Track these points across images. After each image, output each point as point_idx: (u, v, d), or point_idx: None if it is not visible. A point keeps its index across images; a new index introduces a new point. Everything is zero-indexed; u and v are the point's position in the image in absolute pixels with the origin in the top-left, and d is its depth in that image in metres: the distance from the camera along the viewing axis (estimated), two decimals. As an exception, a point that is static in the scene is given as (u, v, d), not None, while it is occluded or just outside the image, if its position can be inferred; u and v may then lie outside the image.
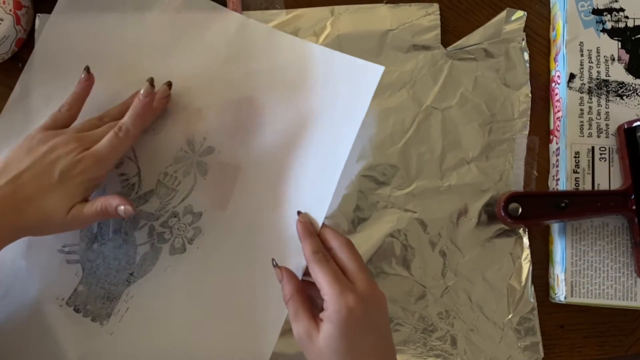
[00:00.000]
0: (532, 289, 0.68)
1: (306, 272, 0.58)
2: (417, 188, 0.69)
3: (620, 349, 0.69)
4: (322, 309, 0.54)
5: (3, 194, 0.56)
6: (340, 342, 0.52)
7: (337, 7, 0.71)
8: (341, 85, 0.63)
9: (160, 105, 0.64)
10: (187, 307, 0.63)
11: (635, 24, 0.69)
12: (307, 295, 0.57)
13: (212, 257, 0.63)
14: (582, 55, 0.69)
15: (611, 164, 0.67)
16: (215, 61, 0.66)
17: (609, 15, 0.69)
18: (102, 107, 0.63)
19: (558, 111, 0.69)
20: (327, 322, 0.53)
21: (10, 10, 0.65)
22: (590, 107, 0.68)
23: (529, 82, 0.71)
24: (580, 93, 0.68)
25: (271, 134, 0.64)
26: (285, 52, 0.65)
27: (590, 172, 0.67)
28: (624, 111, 0.68)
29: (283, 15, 0.70)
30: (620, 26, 0.69)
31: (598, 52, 0.69)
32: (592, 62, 0.68)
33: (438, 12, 0.71)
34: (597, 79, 0.68)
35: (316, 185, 0.61)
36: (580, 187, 0.67)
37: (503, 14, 0.72)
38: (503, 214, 0.65)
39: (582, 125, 0.68)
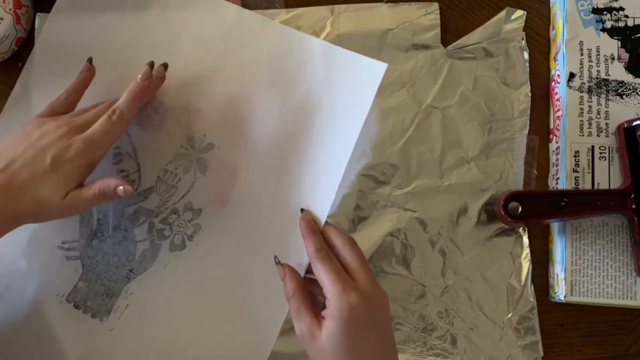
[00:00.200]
0: (532, 288, 0.68)
1: (308, 270, 0.58)
2: (417, 187, 0.69)
3: (620, 348, 0.69)
4: (324, 307, 0.54)
5: None
6: (342, 340, 0.52)
7: (337, 6, 0.71)
8: (343, 81, 0.63)
9: (155, 85, 0.63)
10: (186, 303, 0.63)
11: (635, 23, 0.69)
12: (309, 293, 0.57)
13: (212, 254, 0.63)
14: (582, 55, 0.69)
15: (611, 163, 0.67)
16: (213, 56, 0.66)
17: (608, 15, 0.69)
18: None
19: (558, 110, 0.70)
20: (329, 319, 0.52)
21: (10, 10, 0.65)
22: (590, 106, 0.68)
23: (528, 82, 0.71)
24: (580, 92, 0.68)
25: (271, 130, 0.64)
26: (283, 44, 0.65)
27: (590, 171, 0.67)
28: (623, 110, 0.68)
29: (283, 15, 0.71)
30: (620, 25, 0.69)
31: (598, 51, 0.69)
32: (592, 61, 0.68)
33: (438, 11, 0.71)
34: (597, 78, 0.68)
35: (319, 182, 0.61)
36: (580, 186, 0.67)
37: (503, 13, 0.72)
38: (503, 213, 0.65)
39: (582, 124, 0.68)
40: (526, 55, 0.72)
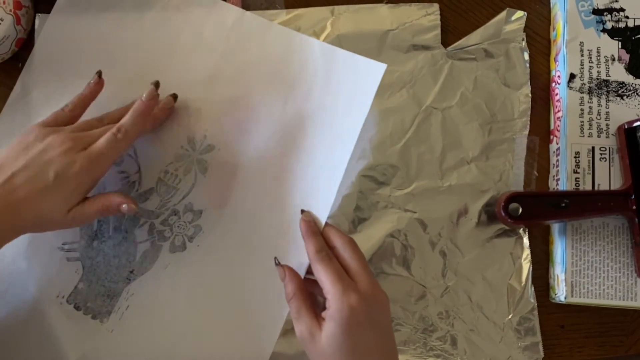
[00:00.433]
0: (532, 289, 0.68)
1: (309, 271, 0.58)
2: (417, 188, 0.69)
3: (620, 349, 0.69)
4: (324, 308, 0.54)
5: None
6: (342, 341, 0.52)
7: (337, 7, 0.71)
8: (343, 82, 0.63)
9: (163, 114, 0.64)
10: (187, 305, 0.62)
11: (636, 24, 0.69)
12: (310, 294, 0.57)
13: (213, 255, 0.63)
14: (582, 55, 0.69)
15: (611, 164, 0.67)
16: (213, 56, 0.66)
17: (609, 15, 0.69)
18: (99, 104, 0.63)
19: (558, 111, 0.70)
20: (329, 321, 0.52)
21: (11, 10, 0.65)
22: (590, 107, 0.68)
23: (529, 82, 0.71)
24: (581, 93, 0.68)
25: (272, 131, 0.64)
26: (283, 45, 0.65)
27: (591, 172, 0.67)
28: (624, 111, 0.68)
29: (283, 15, 0.70)
30: (620, 26, 0.69)
31: (598, 52, 0.69)
32: (592, 62, 0.68)
33: (438, 12, 0.71)
34: (598, 79, 0.68)
35: (319, 183, 0.61)
36: (581, 187, 0.67)
37: (503, 14, 0.72)
38: (503, 214, 0.65)
39: (583, 125, 0.68)
40: (526, 56, 0.72)
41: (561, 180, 0.68)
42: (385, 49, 0.71)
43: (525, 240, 0.69)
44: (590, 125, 0.68)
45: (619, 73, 0.68)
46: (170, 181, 0.64)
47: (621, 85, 0.68)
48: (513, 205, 0.65)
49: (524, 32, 0.72)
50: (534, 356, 0.67)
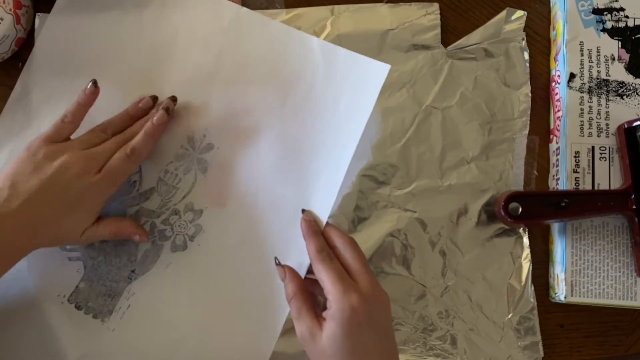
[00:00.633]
0: (532, 288, 0.68)
1: (309, 270, 0.58)
2: (417, 188, 0.69)
3: (620, 348, 0.69)
4: (324, 308, 0.54)
5: (17, 216, 0.55)
6: (343, 342, 0.52)
7: (337, 7, 0.71)
8: (345, 82, 0.63)
9: (162, 129, 0.64)
10: (188, 304, 0.63)
11: (636, 23, 0.69)
12: (310, 294, 0.57)
13: (213, 255, 0.63)
14: (582, 55, 0.69)
15: (611, 163, 0.67)
16: (212, 55, 0.66)
17: (609, 15, 0.69)
18: (99, 105, 0.63)
19: (558, 111, 0.70)
20: (330, 321, 0.52)
21: (10, 10, 0.65)
22: (590, 107, 0.68)
23: (529, 82, 0.71)
24: (581, 92, 0.68)
25: (272, 130, 0.64)
26: (282, 42, 0.65)
27: (591, 171, 0.67)
28: (624, 111, 0.68)
29: (283, 15, 0.70)
30: (620, 26, 0.69)
31: (598, 51, 0.69)
32: (592, 62, 0.69)
33: (438, 11, 0.71)
34: (597, 78, 0.68)
35: (320, 183, 0.61)
36: (581, 187, 0.67)
37: (503, 13, 0.72)
38: (503, 213, 0.65)
39: (582, 124, 0.68)
40: (526, 56, 0.72)
41: (561, 180, 0.68)
42: (385, 49, 0.70)
43: (525, 240, 0.69)
44: (590, 124, 0.68)
45: (618, 73, 0.68)
46: (171, 181, 0.64)
47: (621, 85, 0.68)
48: (513, 205, 0.65)
49: (524, 31, 0.72)
50: (534, 356, 0.67)
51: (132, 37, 0.67)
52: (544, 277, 0.70)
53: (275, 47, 0.65)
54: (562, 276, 0.66)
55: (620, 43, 0.69)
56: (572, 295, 0.65)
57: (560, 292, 0.66)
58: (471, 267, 0.68)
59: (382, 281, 0.67)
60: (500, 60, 0.71)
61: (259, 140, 0.64)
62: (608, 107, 0.68)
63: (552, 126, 0.71)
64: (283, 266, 0.58)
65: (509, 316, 0.68)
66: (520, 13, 0.72)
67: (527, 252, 0.69)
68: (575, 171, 0.67)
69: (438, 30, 0.71)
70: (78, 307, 0.63)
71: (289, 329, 0.62)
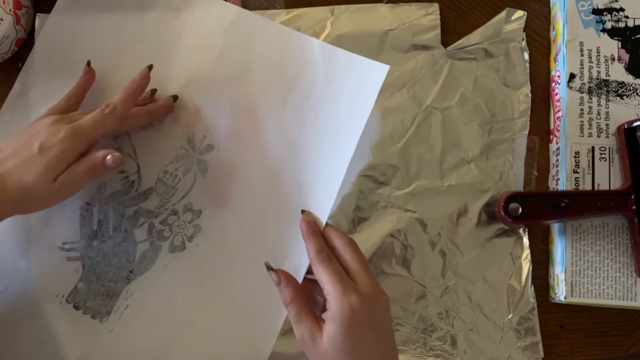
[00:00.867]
0: (532, 288, 0.68)
1: (309, 271, 0.58)
2: (417, 188, 0.69)
3: (620, 348, 0.69)
4: (323, 308, 0.54)
5: None
6: (343, 343, 0.52)
7: (337, 7, 0.71)
8: (344, 83, 0.62)
9: (160, 112, 0.64)
10: (186, 304, 0.62)
11: (635, 23, 0.69)
12: (307, 296, 0.56)
13: (212, 255, 0.63)
14: (582, 55, 0.69)
15: (611, 163, 0.67)
16: (213, 56, 0.66)
17: (609, 15, 0.69)
18: (100, 105, 0.63)
19: (558, 111, 0.70)
20: (330, 322, 0.52)
21: (10, 10, 0.65)
22: (590, 107, 0.68)
23: (529, 82, 0.71)
24: (581, 93, 0.68)
25: (272, 131, 0.64)
26: (282, 44, 0.65)
27: (590, 172, 0.67)
28: (624, 111, 0.68)
29: (283, 15, 0.71)
30: (620, 26, 0.69)
31: (598, 52, 0.69)
32: (592, 62, 0.68)
33: (438, 11, 0.71)
34: (597, 78, 0.68)
35: (320, 183, 0.61)
36: (580, 187, 0.67)
37: (503, 13, 0.72)
38: (503, 213, 0.65)
39: (582, 125, 0.68)
40: (526, 56, 0.72)
41: (561, 180, 0.68)
42: (385, 49, 0.71)
43: (525, 240, 0.69)
44: (590, 125, 0.68)
45: (618, 73, 0.68)
46: (170, 181, 0.64)
47: (621, 85, 0.68)
48: (513, 205, 0.65)
49: (523, 32, 0.72)
50: (534, 356, 0.67)
51: (133, 38, 0.67)
52: (544, 277, 0.70)
53: (275, 49, 0.65)
54: (562, 276, 0.66)
55: (620, 43, 0.69)
56: (572, 296, 0.65)
57: (560, 292, 0.66)
58: (471, 267, 0.68)
59: (382, 281, 0.67)
60: (500, 61, 0.71)
61: (259, 142, 0.64)
62: (608, 108, 0.68)
63: (552, 126, 0.71)
64: (277, 271, 0.57)
65: (509, 316, 0.68)
66: (520, 13, 0.72)
67: (527, 252, 0.69)
68: (575, 171, 0.67)
69: (438, 31, 0.71)
70: (76, 307, 0.63)
71: (288, 330, 0.62)
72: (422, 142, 0.70)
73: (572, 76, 0.68)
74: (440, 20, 0.71)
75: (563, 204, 0.64)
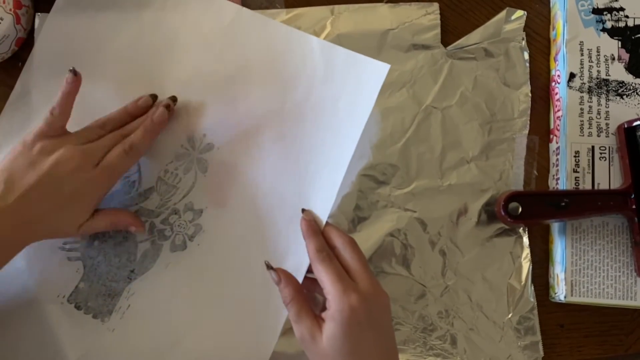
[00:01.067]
0: (532, 288, 0.68)
1: (309, 270, 0.58)
2: (417, 187, 0.69)
3: (620, 348, 0.69)
4: (323, 308, 0.54)
5: (13, 212, 0.55)
6: (343, 342, 0.52)
7: (337, 7, 0.71)
8: (345, 81, 0.62)
9: (161, 127, 0.64)
10: (187, 304, 0.62)
11: (635, 23, 0.69)
12: (307, 296, 0.57)
13: (213, 254, 0.63)
14: (582, 55, 0.69)
15: (611, 163, 0.67)
16: (212, 55, 0.66)
17: (609, 15, 0.69)
18: (100, 104, 0.63)
19: (558, 110, 0.70)
20: (329, 321, 0.52)
21: (10, 10, 0.65)
22: (590, 107, 0.68)
23: (529, 82, 0.71)
24: (580, 92, 0.68)
25: (272, 129, 0.64)
26: (281, 42, 0.65)
27: (590, 171, 0.67)
28: (624, 110, 0.68)
29: (283, 15, 0.71)
30: (620, 25, 0.69)
31: (598, 51, 0.69)
32: (592, 62, 0.68)
33: (438, 11, 0.71)
34: (597, 78, 0.68)
35: (320, 182, 0.61)
36: (580, 187, 0.67)
37: (503, 13, 0.72)
38: (503, 213, 0.65)
39: (582, 124, 0.68)
40: (526, 56, 0.72)
41: (561, 180, 0.68)
42: (385, 49, 0.71)
43: (525, 240, 0.69)
44: (590, 124, 0.68)
45: (618, 72, 0.68)
46: (171, 180, 0.64)
47: (621, 85, 0.68)
48: (513, 205, 0.65)
49: (523, 31, 0.72)
50: (534, 355, 0.67)
51: (132, 37, 0.67)
52: (544, 276, 0.70)
53: (275, 47, 0.65)
54: (562, 276, 0.66)
55: (620, 43, 0.69)
56: (572, 295, 0.65)
57: (560, 291, 0.66)
58: (471, 267, 0.68)
59: (382, 281, 0.67)
60: (500, 60, 0.71)
61: (259, 140, 0.64)
62: (608, 107, 0.68)
63: (552, 126, 0.71)
64: (276, 270, 0.57)
65: (509, 316, 0.68)
66: (520, 13, 0.72)
67: (527, 251, 0.69)
68: (575, 171, 0.67)
69: (438, 30, 0.71)
70: (78, 307, 0.63)
71: (289, 329, 0.62)
72: (422, 141, 0.70)
73: (572, 76, 0.68)
74: (440, 19, 0.71)
75: (563, 204, 0.64)
